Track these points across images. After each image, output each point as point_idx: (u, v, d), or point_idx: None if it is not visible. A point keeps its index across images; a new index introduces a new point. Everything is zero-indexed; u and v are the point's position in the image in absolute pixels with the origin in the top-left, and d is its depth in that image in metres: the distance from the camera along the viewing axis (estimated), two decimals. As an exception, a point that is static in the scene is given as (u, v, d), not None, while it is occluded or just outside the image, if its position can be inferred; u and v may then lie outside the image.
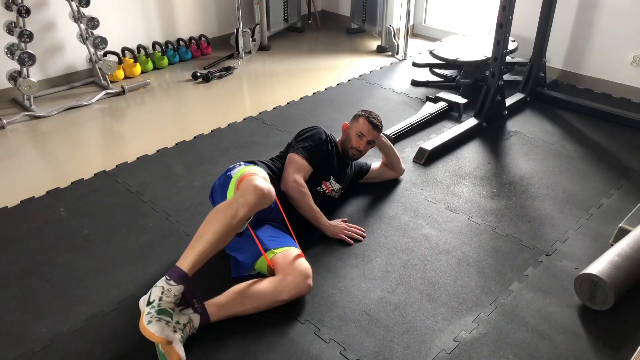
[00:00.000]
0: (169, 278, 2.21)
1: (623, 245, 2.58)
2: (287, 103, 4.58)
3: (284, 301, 2.45)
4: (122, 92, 4.76)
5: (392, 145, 3.39)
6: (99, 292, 2.61)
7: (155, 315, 2.13)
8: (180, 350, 2.12)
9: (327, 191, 3.09)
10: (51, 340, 2.34)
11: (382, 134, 3.25)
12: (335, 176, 3.11)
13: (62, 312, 2.49)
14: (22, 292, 2.61)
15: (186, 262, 2.24)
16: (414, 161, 3.70)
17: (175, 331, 2.16)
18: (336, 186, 3.12)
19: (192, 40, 5.58)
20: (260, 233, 2.63)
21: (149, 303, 2.18)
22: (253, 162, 2.84)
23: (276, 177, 2.87)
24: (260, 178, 2.44)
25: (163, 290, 2.20)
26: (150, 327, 2.09)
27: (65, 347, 2.31)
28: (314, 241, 2.89)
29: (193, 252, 2.26)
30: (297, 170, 2.88)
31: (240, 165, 2.75)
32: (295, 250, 2.55)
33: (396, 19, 5.77)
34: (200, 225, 2.32)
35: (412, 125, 4.11)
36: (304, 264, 2.51)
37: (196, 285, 2.27)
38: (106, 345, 2.32)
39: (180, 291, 2.22)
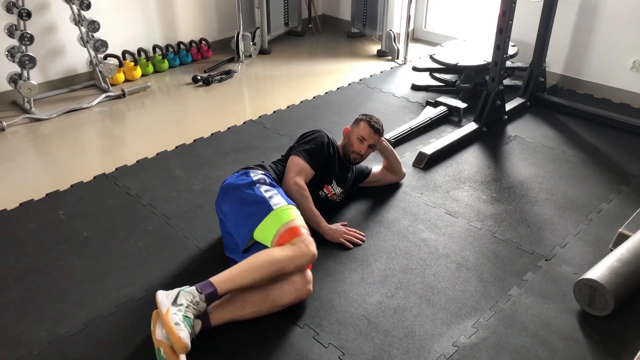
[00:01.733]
0: (201, 292, 2.22)
1: (622, 251, 2.58)
2: (287, 107, 4.59)
3: (284, 306, 2.45)
4: (123, 95, 4.76)
5: (393, 149, 3.39)
6: (98, 295, 2.60)
7: (182, 319, 2.11)
8: (183, 357, 2.11)
9: (329, 195, 3.09)
10: (50, 344, 2.34)
11: (382, 138, 3.26)
12: (337, 180, 3.11)
13: (61, 315, 2.49)
14: (21, 295, 2.60)
15: (224, 286, 2.27)
16: (413, 165, 3.70)
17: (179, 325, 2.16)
18: (338, 190, 3.12)
19: (193, 44, 5.59)
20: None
21: (175, 303, 2.17)
22: (261, 166, 2.85)
23: (279, 180, 2.87)
24: (313, 240, 2.48)
25: (193, 299, 2.20)
26: (179, 330, 2.06)
27: (63, 351, 2.31)
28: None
29: (235, 281, 2.30)
30: (299, 172, 2.89)
31: (271, 187, 2.68)
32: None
33: (396, 23, 5.78)
34: (255, 257, 2.36)
35: (412, 129, 4.12)
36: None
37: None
38: (104, 349, 2.32)
39: (205, 309, 2.25)
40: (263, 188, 2.63)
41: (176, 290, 2.23)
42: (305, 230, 2.49)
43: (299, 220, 2.53)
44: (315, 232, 2.91)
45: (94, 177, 3.55)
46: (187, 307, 2.17)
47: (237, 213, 2.61)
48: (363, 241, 2.97)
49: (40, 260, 2.83)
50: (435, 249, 2.92)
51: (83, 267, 2.78)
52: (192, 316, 2.17)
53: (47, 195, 3.36)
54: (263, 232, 2.50)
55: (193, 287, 2.24)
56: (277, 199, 2.58)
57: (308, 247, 2.41)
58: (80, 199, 3.33)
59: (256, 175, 2.71)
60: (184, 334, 2.06)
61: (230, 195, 2.68)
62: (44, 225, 3.09)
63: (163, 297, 2.20)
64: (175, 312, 2.13)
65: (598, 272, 2.47)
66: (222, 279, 2.28)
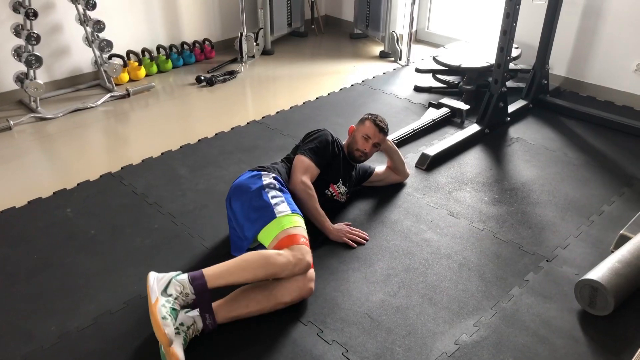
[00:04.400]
0: (191, 283, 2.26)
1: (624, 252, 2.61)
2: (291, 107, 4.62)
3: (287, 303, 2.48)
4: (127, 95, 4.79)
5: (397, 149, 3.42)
6: (106, 291, 2.64)
7: (169, 311, 2.14)
8: (180, 352, 2.14)
9: (334, 194, 3.12)
10: (60, 338, 2.37)
11: (387, 138, 3.29)
12: (342, 179, 3.15)
13: (70, 310, 2.52)
14: (31, 291, 2.64)
15: (215, 282, 2.30)
16: (416, 166, 3.73)
17: (178, 332, 2.19)
18: (343, 189, 3.16)
19: (196, 44, 5.62)
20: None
21: (165, 292, 2.20)
22: (265, 168, 2.89)
23: (284, 180, 2.90)
24: (309, 250, 2.51)
25: (183, 290, 2.23)
26: (165, 326, 2.09)
27: (73, 345, 2.35)
28: (317, 244, 2.92)
29: (227, 278, 2.33)
30: (305, 171, 2.93)
31: (280, 192, 2.71)
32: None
33: (399, 24, 5.81)
34: (252, 256, 2.39)
35: (414, 130, 4.14)
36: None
37: (211, 300, 2.32)
38: (114, 344, 2.35)
39: (192, 301, 2.28)
40: (271, 194, 2.66)
41: (168, 277, 2.26)
42: (303, 240, 2.53)
43: (299, 229, 2.57)
44: (319, 231, 2.95)
45: (100, 176, 3.58)
46: (175, 298, 2.20)
47: (244, 215, 2.65)
48: (366, 241, 3.00)
49: (49, 257, 2.86)
50: (438, 249, 2.95)
51: (91, 263, 2.82)
52: (178, 308, 2.22)
53: (54, 193, 3.40)
54: (264, 236, 2.56)
55: (185, 277, 2.27)
56: (282, 206, 2.62)
57: (304, 255, 2.44)
58: (87, 197, 3.37)
59: (267, 179, 2.75)
60: (169, 330, 2.09)
61: (240, 195, 2.72)
62: (52, 223, 3.13)
63: (154, 281, 2.23)
64: (164, 303, 2.16)
65: (599, 272, 2.50)
66: (214, 274, 2.31)
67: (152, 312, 2.13)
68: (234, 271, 2.34)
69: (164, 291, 2.21)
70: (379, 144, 3.20)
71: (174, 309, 2.17)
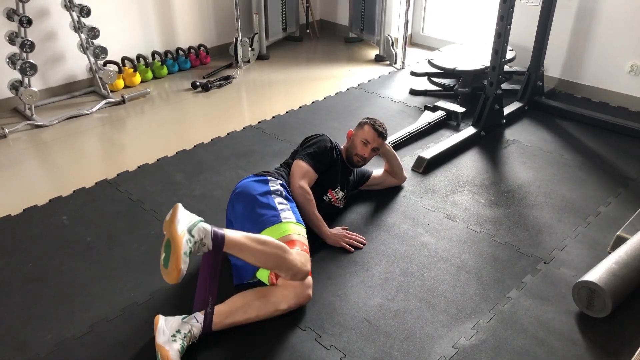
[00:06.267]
0: (213, 238, 2.21)
1: (621, 253, 2.61)
2: (286, 112, 4.61)
3: (284, 310, 2.47)
4: (122, 102, 4.79)
5: (395, 153, 3.42)
6: (102, 299, 2.63)
7: (188, 252, 2.11)
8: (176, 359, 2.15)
9: (332, 200, 3.12)
10: (56, 347, 2.36)
11: (385, 142, 3.29)
12: (340, 184, 3.15)
13: (66, 318, 2.51)
14: (27, 299, 2.63)
15: (231, 248, 2.26)
16: (412, 170, 3.73)
17: (175, 340, 2.18)
18: (340, 194, 3.16)
19: (191, 50, 5.62)
20: None
21: (190, 232, 2.16)
22: (270, 173, 2.89)
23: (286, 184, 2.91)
24: (309, 258, 2.53)
25: (203, 238, 2.19)
26: (184, 261, 2.07)
27: (70, 353, 2.33)
28: (314, 249, 2.90)
29: (242, 249, 2.28)
30: (303, 176, 2.93)
31: (286, 200, 2.73)
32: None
33: (394, 28, 5.82)
34: (269, 238, 2.38)
35: (410, 134, 4.14)
36: None
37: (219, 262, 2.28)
38: (110, 351, 2.34)
39: (204, 252, 2.23)
40: (277, 200, 2.69)
41: (195, 218, 2.23)
42: (305, 248, 2.54)
43: (302, 238, 2.59)
44: (316, 236, 2.94)
45: (96, 183, 3.57)
46: (195, 242, 2.16)
47: (247, 215, 2.66)
48: (364, 245, 2.99)
49: (45, 265, 2.85)
50: (435, 252, 2.95)
51: (87, 271, 2.81)
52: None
53: (50, 200, 3.39)
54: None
55: (209, 228, 2.22)
56: (288, 213, 2.64)
57: (304, 263, 2.45)
58: (83, 204, 3.36)
59: (275, 185, 2.77)
60: (185, 267, 2.08)
61: (245, 196, 2.72)
62: (48, 230, 3.12)
63: (183, 214, 2.20)
64: (187, 240, 2.12)
65: (596, 274, 2.50)
66: (233, 240, 2.26)
67: (175, 241, 2.09)
68: (250, 245, 2.30)
69: (190, 230, 2.17)
70: (377, 148, 3.20)
71: (190, 251, 2.13)
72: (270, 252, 2.34)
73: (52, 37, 4.67)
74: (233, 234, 2.28)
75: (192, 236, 2.16)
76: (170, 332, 2.23)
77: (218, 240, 2.22)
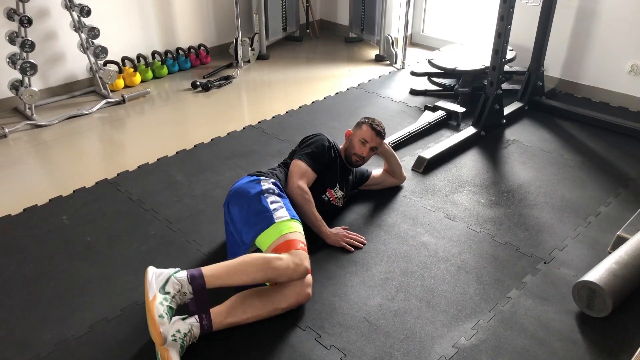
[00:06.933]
0: (190, 282, 2.25)
1: (621, 253, 2.61)
2: (287, 112, 4.61)
3: (284, 309, 2.47)
4: (122, 101, 4.79)
5: (394, 152, 3.42)
6: (102, 299, 2.63)
7: (166, 310, 2.14)
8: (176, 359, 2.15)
9: (331, 199, 3.12)
10: (56, 347, 2.36)
11: (384, 142, 3.29)
12: (339, 183, 3.14)
13: (66, 318, 2.51)
14: (27, 299, 2.63)
15: (214, 283, 2.29)
16: (412, 170, 3.73)
17: (174, 340, 2.18)
18: (339, 193, 3.16)
19: (192, 50, 5.62)
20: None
21: (163, 289, 2.20)
22: (263, 173, 2.89)
23: (282, 185, 2.90)
24: (307, 256, 2.51)
25: (181, 289, 2.23)
26: (161, 324, 2.09)
27: (70, 353, 2.33)
28: (314, 249, 2.91)
29: (225, 280, 2.31)
30: (301, 176, 2.92)
31: (279, 197, 2.71)
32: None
33: (394, 28, 5.81)
34: (251, 258, 2.38)
35: (410, 134, 4.14)
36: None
37: (208, 300, 2.31)
38: (110, 351, 2.34)
39: (190, 300, 2.27)
40: (270, 199, 2.67)
41: (167, 273, 2.26)
42: (302, 245, 2.52)
43: (298, 235, 2.57)
44: (316, 236, 2.94)
45: (96, 183, 3.57)
46: (173, 296, 2.20)
47: (242, 220, 2.65)
48: (364, 244, 2.99)
49: (45, 265, 2.85)
50: (435, 252, 2.95)
51: (87, 271, 2.81)
52: (175, 306, 2.22)
53: (50, 200, 3.39)
54: (263, 241, 2.55)
55: (184, 275, 2.26)
56: (281, 211, 2.62)
57: (302, 261, 2.44)
58: (83, 204, 3.36)
59: (266, 184, 2.75)
60: (164, 329, 2.11)
61: (239, 199, 2.72)
62: (48, 231, 3.12)
63: (152, 277, 2.23)
64: (161, 301, 2.16)
65: (597, 274, 2.50)
66: (213, 274, 2.30)
67: (149, 309, 2.13)
68: (233, 273, 2.33)
69: (162, 288, 2.21)
70: (376, 147, 3.20)
71: (170, 308, 2.18)
72: (255, 270, 2.35)
73: (52, 37, 4.67)
74: (211, 270, 2.32)
75: (167, 293, 2.20)
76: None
77: (197, 282, 2.26)
